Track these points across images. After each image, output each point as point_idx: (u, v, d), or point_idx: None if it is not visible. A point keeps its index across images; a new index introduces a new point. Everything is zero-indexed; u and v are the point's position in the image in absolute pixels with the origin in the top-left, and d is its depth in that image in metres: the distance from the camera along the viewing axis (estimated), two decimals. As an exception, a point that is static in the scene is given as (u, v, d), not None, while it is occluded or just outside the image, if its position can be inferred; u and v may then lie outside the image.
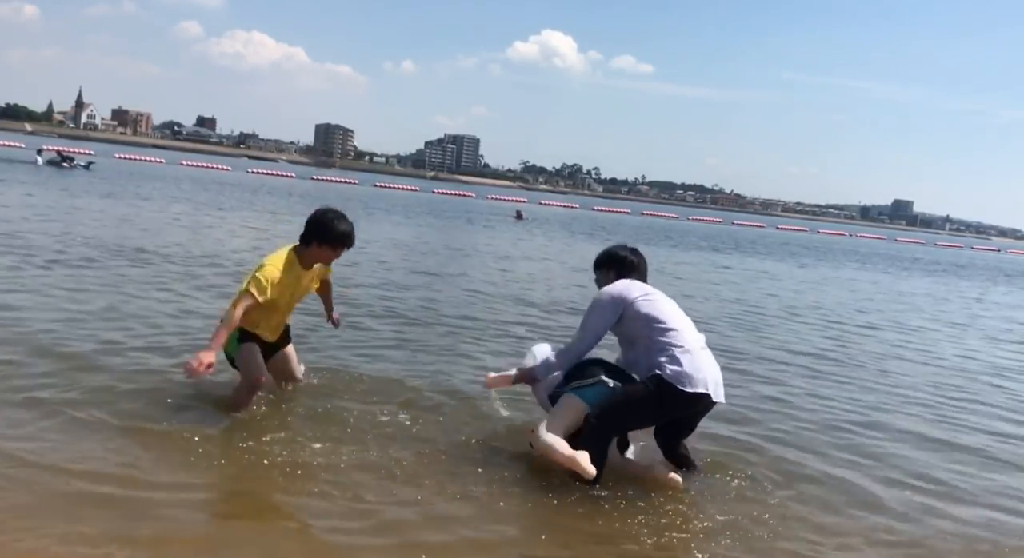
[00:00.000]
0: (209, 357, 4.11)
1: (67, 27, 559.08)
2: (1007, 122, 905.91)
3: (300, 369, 5.13)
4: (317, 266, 4.74)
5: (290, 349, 5.04)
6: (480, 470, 4.14)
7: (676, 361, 3.95)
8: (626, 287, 4.24)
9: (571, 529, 3.66)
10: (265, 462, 4.00)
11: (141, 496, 3.51)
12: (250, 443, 4.21)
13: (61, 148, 43.59)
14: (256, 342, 4.66)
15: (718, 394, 4.05)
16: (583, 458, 3.88)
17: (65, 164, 35.84)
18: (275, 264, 4.50)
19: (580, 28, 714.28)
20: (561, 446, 3.94)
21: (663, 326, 4.07)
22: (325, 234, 4.55)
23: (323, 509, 3.59)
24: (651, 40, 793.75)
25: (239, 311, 4.35)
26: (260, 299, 4.39)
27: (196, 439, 4.16)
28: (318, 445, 4.25)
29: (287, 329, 4.98)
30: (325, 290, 5.19)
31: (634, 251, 4.53)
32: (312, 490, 3.75)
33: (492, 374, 4.58)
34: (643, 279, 4.42)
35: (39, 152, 37.44)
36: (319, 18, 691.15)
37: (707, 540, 3.69)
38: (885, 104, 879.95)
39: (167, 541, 3.19)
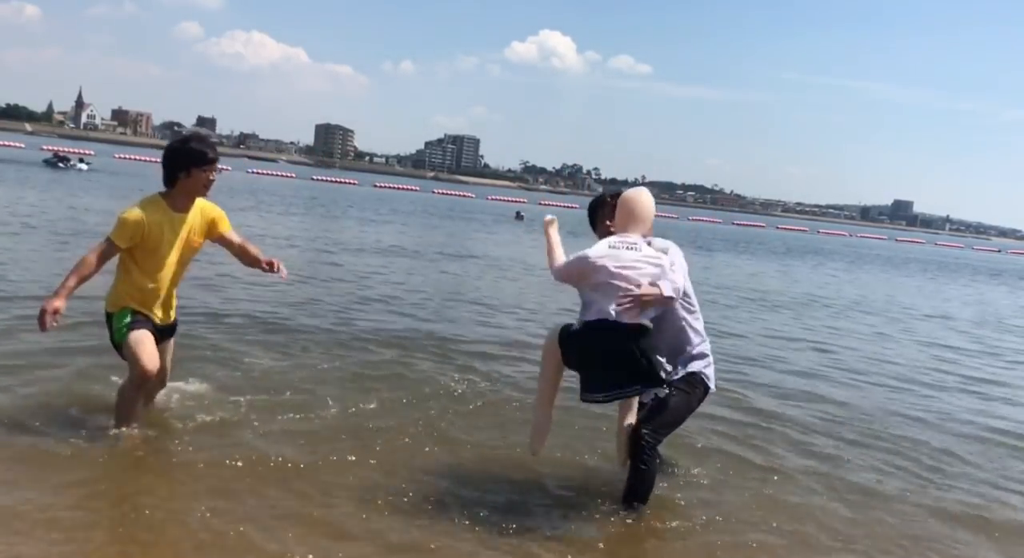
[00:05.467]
0: (54, 303, 3.90)
1: (67, 27, 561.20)
2: (1007, 122, 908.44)
3: (168, 368, 4.56)
4: (198, 215, 4.27)
5: (171, 344, 4.52)
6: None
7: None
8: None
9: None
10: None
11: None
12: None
13: (59, 149, 44.45)
14: (147, 328, 4.17)
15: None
16: (539, 432, 3.87)
17: (61, 164, 36.60)
18: (133, 208, 4.12)
19: (578, 28, 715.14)
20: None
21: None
22: (183, 160, 4.13)
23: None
24: (649, 40, 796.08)
25: (92, 256, 4.01)
26: (119, 244, 4.04)
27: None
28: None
29: (175, 322, 4.48)
30: (240, 250, 4.46)
31: None
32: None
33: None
34: None
35: (80, 160, 37.99)
36: (319, 18, 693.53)
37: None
38: (885, 104, 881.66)
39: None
